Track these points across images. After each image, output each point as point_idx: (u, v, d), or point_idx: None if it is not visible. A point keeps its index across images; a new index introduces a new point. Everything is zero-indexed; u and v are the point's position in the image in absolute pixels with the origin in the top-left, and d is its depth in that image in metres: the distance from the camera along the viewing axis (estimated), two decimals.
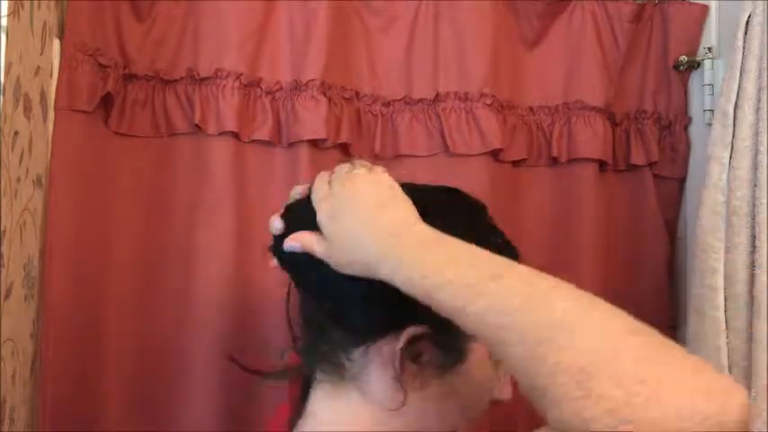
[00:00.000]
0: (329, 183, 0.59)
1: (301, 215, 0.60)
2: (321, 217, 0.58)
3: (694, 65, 1.10)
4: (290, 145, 0.98)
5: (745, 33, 0.90)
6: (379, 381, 0.59)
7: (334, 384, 0.60)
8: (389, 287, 0.54)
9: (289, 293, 0.65)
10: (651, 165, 1.11)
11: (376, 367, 0.59)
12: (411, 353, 0.58)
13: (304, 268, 0.60)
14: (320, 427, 0.60)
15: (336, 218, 0.57)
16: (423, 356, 0.58)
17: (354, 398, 0.60)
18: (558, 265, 1.02)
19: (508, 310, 0.48)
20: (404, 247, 0.54)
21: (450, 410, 0.61)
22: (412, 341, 0.57)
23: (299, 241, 0.60)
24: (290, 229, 0.60)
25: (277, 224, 0.61)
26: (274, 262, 0.63)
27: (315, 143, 0.97)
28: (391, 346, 0.58)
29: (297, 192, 0.64)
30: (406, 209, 0.57)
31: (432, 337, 0.58)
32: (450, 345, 0.60)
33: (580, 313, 0.47)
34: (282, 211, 0.63)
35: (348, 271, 0.57)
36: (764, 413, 0.80)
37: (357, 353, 0.59)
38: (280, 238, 0.61)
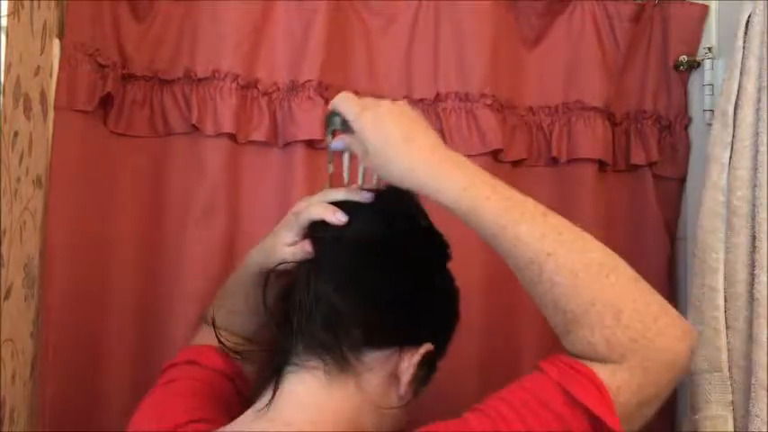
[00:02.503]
0: (360, 103, 0.66)
1: (358, 205, 0.67)
2: (363, 123, 0.64)
3: (694, 65, 1.10)
4: (286, 145, 0.98)
5: (745, 33, 0.89)
6: (380, 383, 0.63)
7: (329, 375, 0.62)
8: (427, 304, 0.66)
9: (267, 278, 0.69)
10: (651, 165, 1.11)
11: (382, 370, 0.63)
12: (417, 367, 0.64)
13: (360, 263, 0.64)
14: (304, 410, 0.62)
15: (379, 126, 0.64)
16: (420, 370, 0.65)
17: (350, 391, 0.62)
18: None
19: (551, 243, 0.58)
20: (446, 160, 0.63)
21: (403, 419, 0.67)
22: (423, 357, 0.64)
23: (342, 140, 0.67)
24: (350, 220, 0.66)
25: (341, 216, 0.65)
26: (307, 246, 0.67)
27: (311, 144, 0.98)
28: (406, 358, 0.64)
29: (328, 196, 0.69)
30: (433, 134, 0.65)
31: (430, 355, 0.65)
32: (435, 363, 0.67)
33: (608, 256, 0.60)
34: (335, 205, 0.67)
35: (381, 173, 0.64)
36: (764, 413, 0.80)
37: (370, 354, 0.63)
38: (325, 225, 0.66)
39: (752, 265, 0.84)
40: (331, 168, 0.73)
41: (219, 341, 0.73)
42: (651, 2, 1.11)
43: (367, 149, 0.64)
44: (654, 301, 0.58)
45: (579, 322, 0.57)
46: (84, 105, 0.91)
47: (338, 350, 0.62)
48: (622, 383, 0.55)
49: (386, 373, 0.64)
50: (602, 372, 0.55)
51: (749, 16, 0.89)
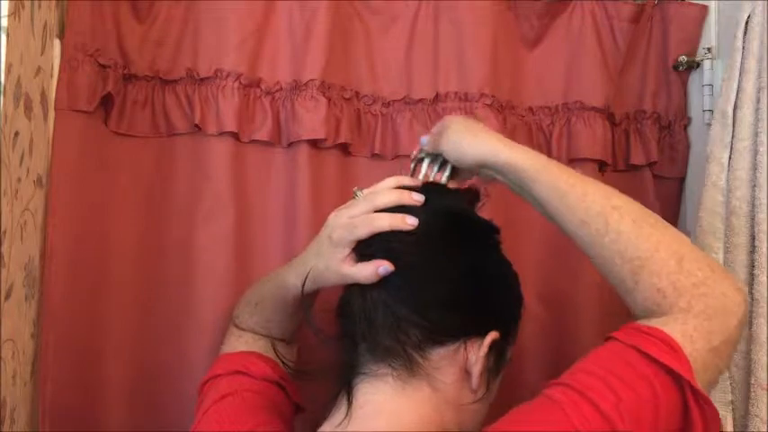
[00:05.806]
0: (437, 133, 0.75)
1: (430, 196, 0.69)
2: (454, 135, 0.73)
3: (694, 65, 1.10)
4: (290, 145, 0.98)
5: (745, 33, 0.90)
6: (453, 380, 0.63)
7: (402, 380, 0.62)
8: (483, 292, 0.66)
9: (303, 287, 0.69)
10: (651, 165, 1.11)
11: (452, 367, 0.64)
12: (486, 357, 0.64)
13: (407, 262, 0.64)
14: (384, 418, 0.61)
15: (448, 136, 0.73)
16: (490, 360, 0.65)
17: (425, 393, 0.62)
18: (558, 264, 1.02)
19: (615, 199, 0.64)
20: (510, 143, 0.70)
21: (482, 413, 0.66)
22: (491, 347, 0.64)
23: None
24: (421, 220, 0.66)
25: (411, 220, 0.66)
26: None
27: (314, 143, 0.98)
28: (473, 350, 0.64)
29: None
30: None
31: (498, 344, 0.65)
32: (505, 352, 0.68)
33: (659, 217, 0.64)
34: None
35: (465, 156, 0.71)
36: (764, 413, 0.80)
37: (435, 352, 0.63)
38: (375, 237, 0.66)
39: (751, 265, 0.84)
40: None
41: (284, 363, 0.75)
42: (651, 2, 1.11)
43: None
44: (706, 255, 0.63)
45: (647, 268, 0.60)
46: (85, 106, 0.91)
47: (403, 353, 0.62)
48: (693, 330, 0.57)
49: (456, 369, 0.64)
50: (672, 325, 0.57)
51: (748, 16, 0.90)
